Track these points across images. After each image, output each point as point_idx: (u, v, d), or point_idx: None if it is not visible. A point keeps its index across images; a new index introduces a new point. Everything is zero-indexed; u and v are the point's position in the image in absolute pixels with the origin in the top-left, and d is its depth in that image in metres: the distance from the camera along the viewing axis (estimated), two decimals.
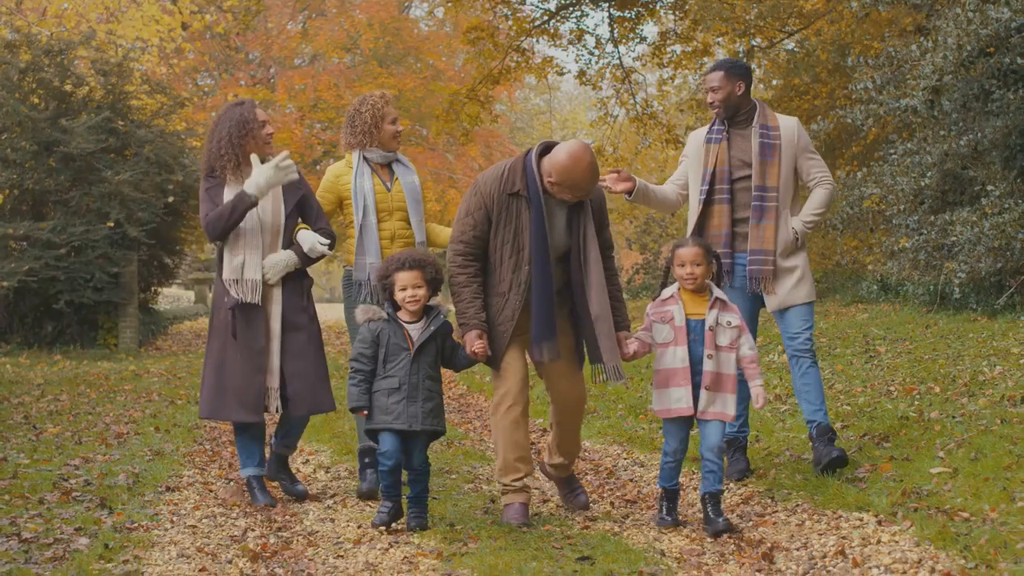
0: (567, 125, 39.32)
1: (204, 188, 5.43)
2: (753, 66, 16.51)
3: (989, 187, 9.97)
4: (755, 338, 5.61)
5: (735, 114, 5.53)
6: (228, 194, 5.33)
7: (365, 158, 5.66)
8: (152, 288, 16.86)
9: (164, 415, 8.32)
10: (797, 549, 4.38)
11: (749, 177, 5.46)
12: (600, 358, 4.90)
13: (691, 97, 18.15)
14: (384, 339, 4.87)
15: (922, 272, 11.02)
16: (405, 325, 4.92)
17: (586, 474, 6.10)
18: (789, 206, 5.53)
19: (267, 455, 5.66)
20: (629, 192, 5.48)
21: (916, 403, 6.65)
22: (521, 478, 4.90)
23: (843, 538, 4.44)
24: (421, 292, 4.89)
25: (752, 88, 5.71)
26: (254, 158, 5.37)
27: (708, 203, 5.49)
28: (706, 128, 5.64)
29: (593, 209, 4.94)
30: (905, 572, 4.01)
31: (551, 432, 5.25)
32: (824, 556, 4.28)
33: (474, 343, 4.87)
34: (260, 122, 5.44)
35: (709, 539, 4.65)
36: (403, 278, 4.89)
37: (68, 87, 14.24)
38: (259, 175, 5.29)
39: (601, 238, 4.96)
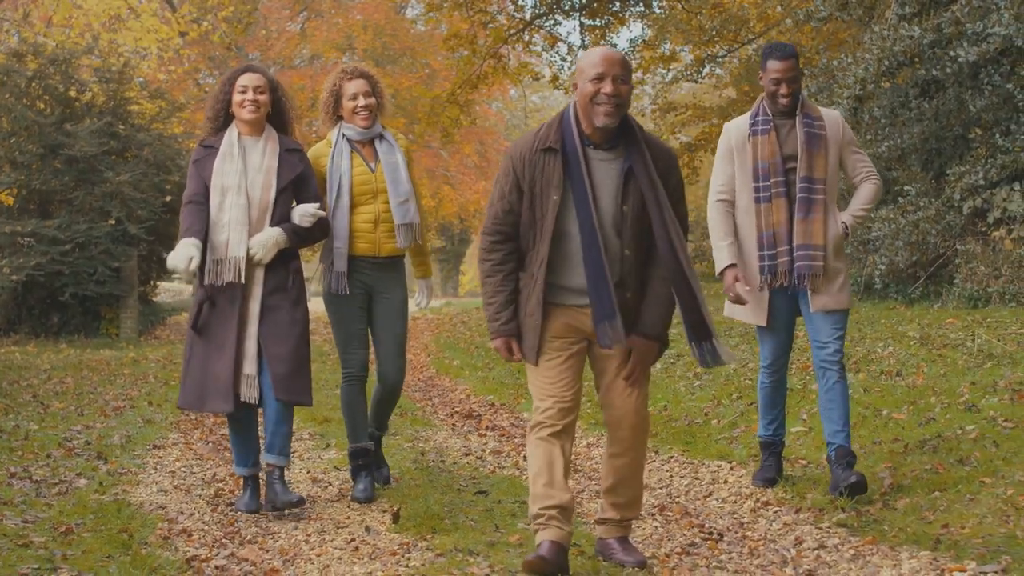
0: None
1: (193, 159, 5.09)
2: (711, 69, 17.50)
3: (907, 187, 11.01)
4: (788, 350, 5.24)
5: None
6: (218, 165, 5.00)
7: (345, 136, 5.25)
8: (151, 281, 17.77)
9: (157, 393, 9.34)
10: (660, 488, 5.40)
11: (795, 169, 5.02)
12: (708, 335, 4.01)
13: (652, 102, 19.19)
14: None
15: (850, 264, 12.04)
16: None
17: (512, 433, 7.10)
18: (835, 201, 5.14)
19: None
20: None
21: (805, 378, 7.66)
22: (546, 509, 3.92)
23: (696, 478, 5.48)
24: None
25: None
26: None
27: (766, 199, 5.00)
28: (744, 119, 5.14)
29: (669, 181, 4.00)
30: (736, 501, 5.04)
31: (602, 470, 4.22)
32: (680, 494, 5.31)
33: (503, 354, 4.01)
34: (242, 87, 5.01)
35: (589, 479, 5.64)
36: None
37: (72, 93, 15.22)
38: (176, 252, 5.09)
39: (676, 214, 3.99)
